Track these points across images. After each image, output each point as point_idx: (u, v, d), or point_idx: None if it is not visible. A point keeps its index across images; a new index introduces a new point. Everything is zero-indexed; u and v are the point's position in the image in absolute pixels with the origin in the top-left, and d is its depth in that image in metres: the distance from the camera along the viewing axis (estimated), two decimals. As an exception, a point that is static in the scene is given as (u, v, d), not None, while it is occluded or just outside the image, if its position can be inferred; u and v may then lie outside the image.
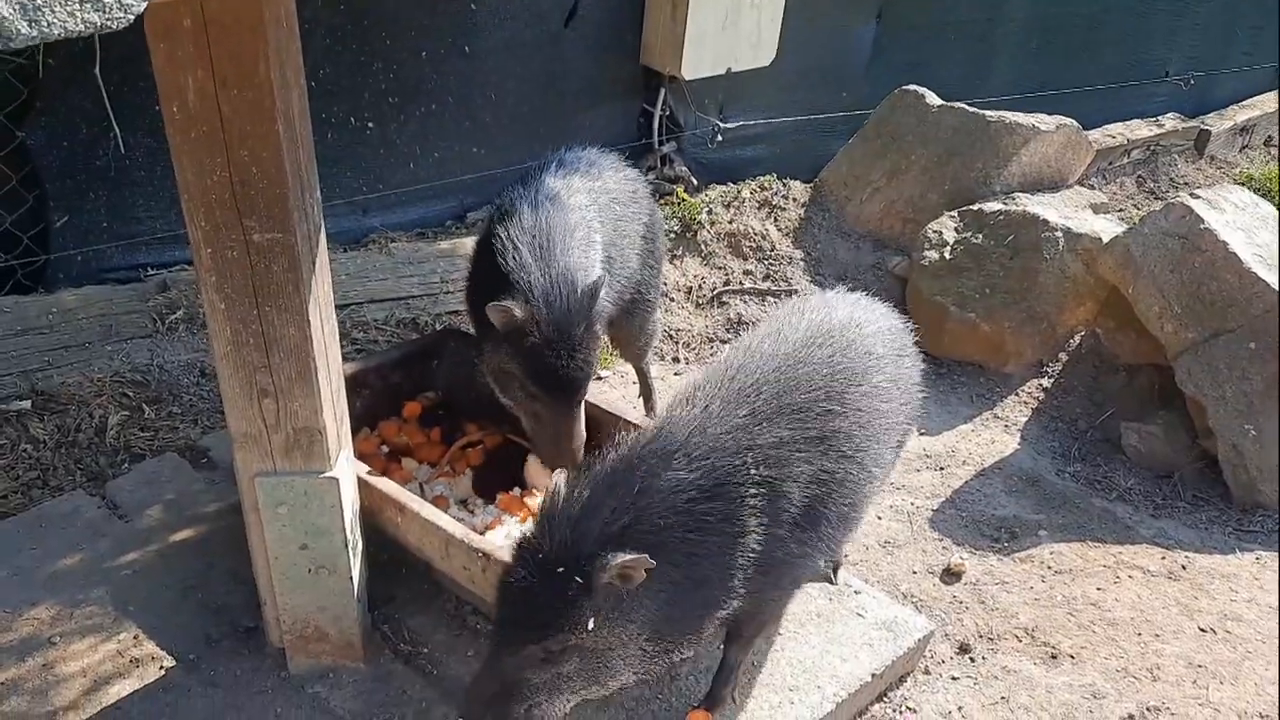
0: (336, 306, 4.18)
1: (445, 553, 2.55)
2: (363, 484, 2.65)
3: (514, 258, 2.72)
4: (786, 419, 2.30)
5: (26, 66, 3.61)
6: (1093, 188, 5.66)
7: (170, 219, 4.09)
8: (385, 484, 2.67)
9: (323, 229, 2.33)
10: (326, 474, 2.42)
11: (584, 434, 2.81)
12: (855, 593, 3.00)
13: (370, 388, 3.13)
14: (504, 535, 2.73)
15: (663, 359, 4.44)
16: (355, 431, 2.79)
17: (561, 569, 2.03)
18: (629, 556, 2.00)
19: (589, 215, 3.01)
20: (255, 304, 2.21)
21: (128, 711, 2.58)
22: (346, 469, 2.52)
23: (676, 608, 2.19)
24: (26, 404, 3.52)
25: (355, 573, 2.60)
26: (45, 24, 0.97)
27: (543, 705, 2.12)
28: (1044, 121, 4.92)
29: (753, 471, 2.22)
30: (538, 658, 2.08)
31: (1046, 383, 4.31)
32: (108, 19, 1.03)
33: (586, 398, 2.99)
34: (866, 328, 2.61)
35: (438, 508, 2.67)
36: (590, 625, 2.04)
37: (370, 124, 4.55)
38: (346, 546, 2.52)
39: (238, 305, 2.21)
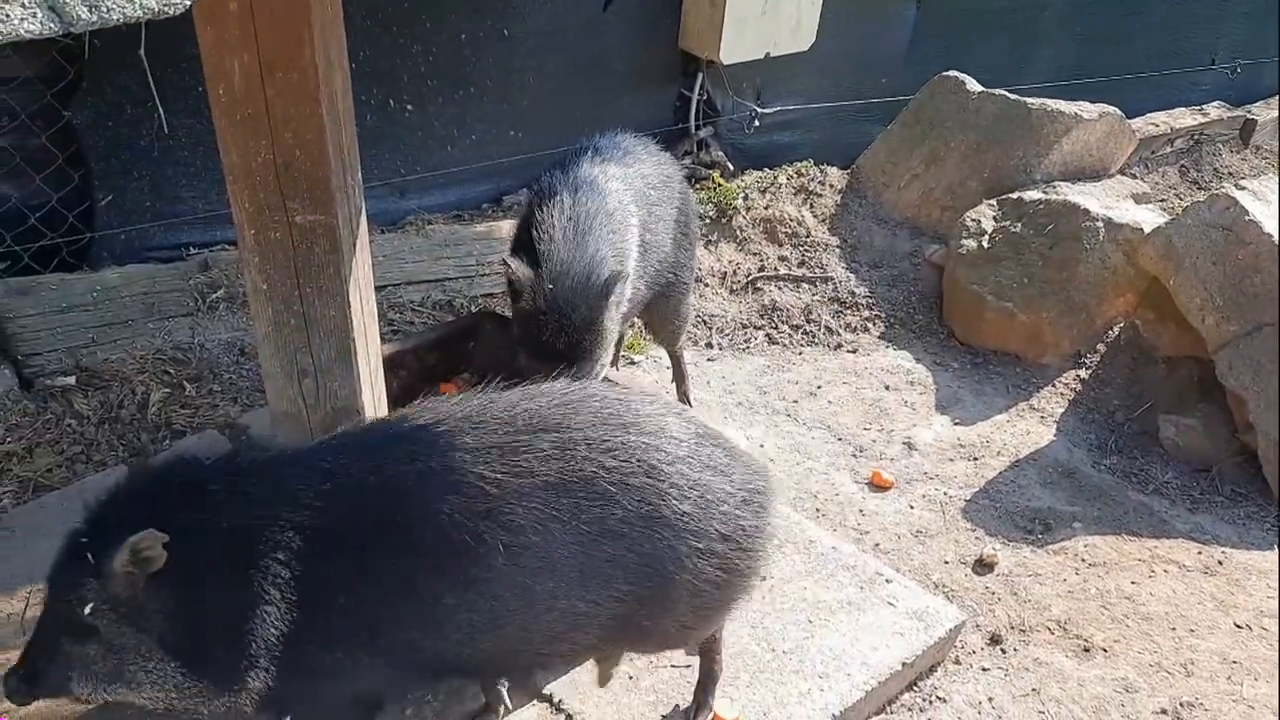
0: (375, 288, 4.24)
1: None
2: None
3: (547, 240, 2.78)
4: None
5: (73, 47, 3.66)
6: (1135, 177, 5.59)
7: (211, 199, 4.14)
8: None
9: (364, 211, 2.36)
10: (364, 454, 2.45)
11: None
12: (886, 581, 3.00)
13: (407, 368, 3.16)
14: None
15: (695, 344, 4.45)
16: (391, 411, 2.82)
17: (85, 539, 1.94)
18: (141, 535, 1.85)
19: (625, 200, 3.04)
20: (297, 285, 2.25)
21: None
22: (384, 449, 2.55)
23: (196, 639, 2.01)
24: (71, 380, 3.58)
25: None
26: (105, 9, 0.99)
27: (72, 679, 2.02)
28: (1086, 109, 4.86)
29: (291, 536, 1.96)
30: (65, 621, 1.97)
31: (1084, 374, 4.27)
32: (165, 5, 1.05)
33: (620, 381, 3.02)
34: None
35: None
36: (89, 607, 1.93)
37: (409, 107, 4.57)
38: (383, 526, 2.55)
39: (280, 286, 2.25)
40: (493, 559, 1.95)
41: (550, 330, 2.73)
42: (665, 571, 2.08)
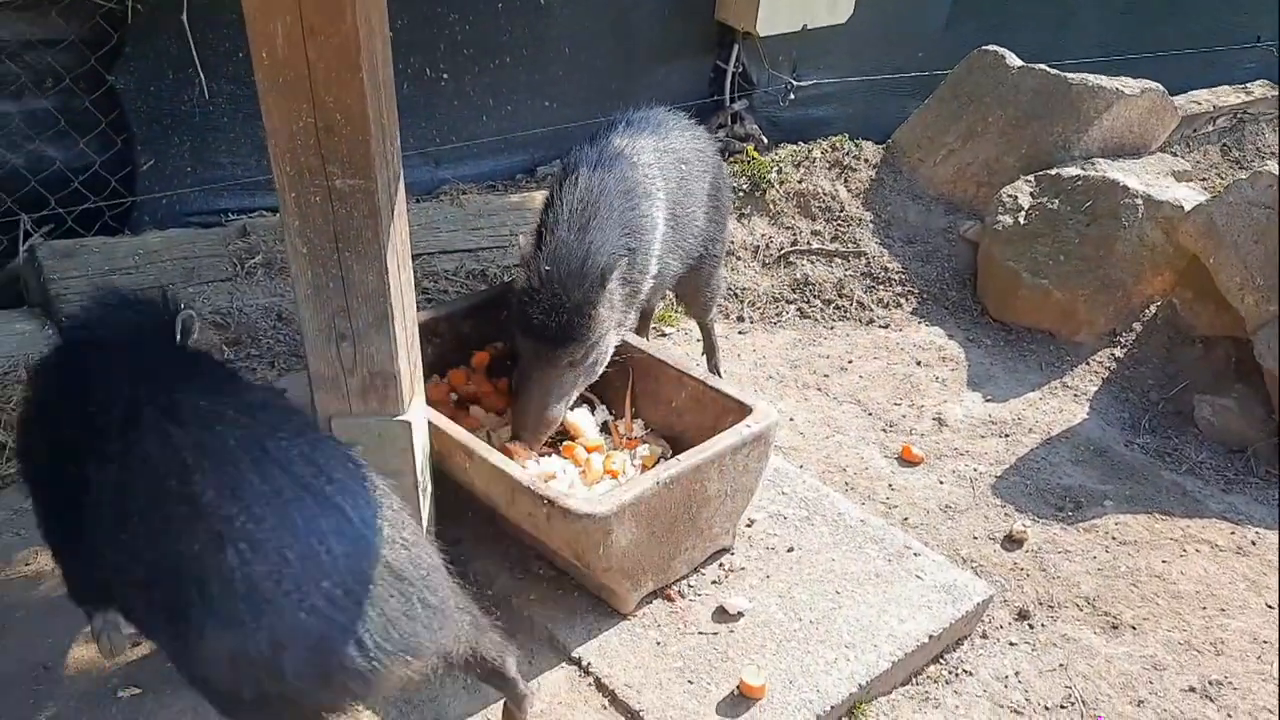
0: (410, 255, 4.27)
1: (511, 499, 2.61)
2: (434, 429, 2.71)
3: (554, 218, 2.80)
4: None
5: (116, 10, 3.70)
6: (1176, 155, 5.51)
7: (250, 165, 4.18)
8: (455, 430, 2.72)
9: (401, 177, 2.37)
10: (400, 418, 2.49)
11: (548, 409, 2.83)
12: (914, 555, 3.01)
13: (441, 336, 3.19)
14: (567, 484, 2.78)
15: (727, 318, 4.45)
16: (425, 378, 2.85)
17: None
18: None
19: (653, 174, 3.04)
20: (336, 249, 2.27)
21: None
22: (419, 413, 2.58)
23: None
24: (112, 341, 3.63)
25: (425, 515, 2.67)
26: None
27: None
28: (1128, 85, 4.79)
29: None
30: None
31: (1119, 353, 4.24)
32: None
33: (652, 352, 3.03)
34: None
35: (505, 455, 2.73)
36: None
37: (444, 76, 4.59)
38: (417, 488, 2.59)
39: (319, 250, 2.27)
40: None
41: (542, 310, 2.72)
42: None
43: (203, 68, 3.82)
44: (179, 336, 2.23)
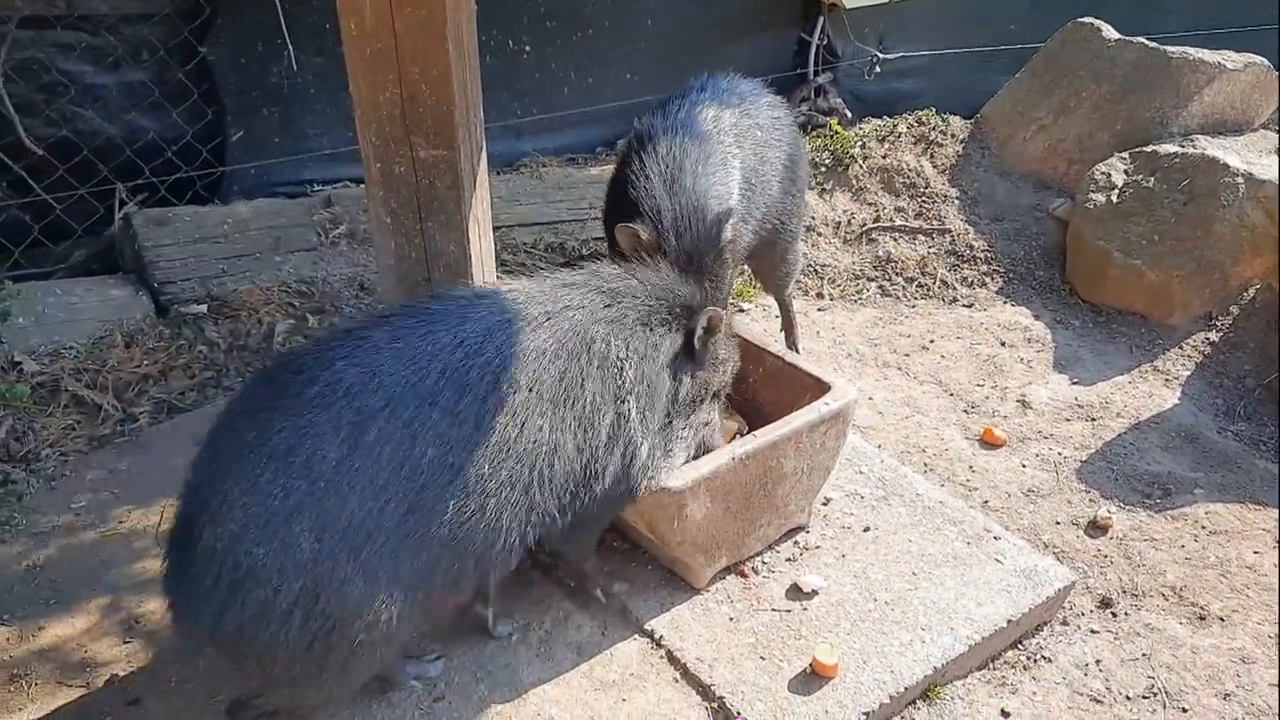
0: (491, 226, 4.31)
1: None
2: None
3: (644, 185, 2.75)
4: None
5: (209, -16, 3.79)
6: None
7: (335, 136, 4.25)
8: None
9: (484, 149, 2.39)
10: (479, 386, 2.51)
11: None
12: (994, 538, 2.95)
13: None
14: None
15: (806, 294, 4.40)
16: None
17: None
18: None
19: (726, 141, 2.99)
20: (419, 219, 2.30)
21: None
22: (497, 383, 2.60)
23: None
24: (203, 308, 3.74)
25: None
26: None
27: None
28: (1230, 59, 4.61)
29: None
30: None
31: (1214, 336, 4.09)
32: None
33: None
34: None
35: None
36: None
37: (527, 48, 4.60)
38: (494, 458, 2.61)
39: (403, 219, 2.30)
40: None
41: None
42: None
43: (292, 41, 3.88)
44: None
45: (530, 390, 2.11)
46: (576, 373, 2.20)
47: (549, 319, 2.21)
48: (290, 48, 3.93)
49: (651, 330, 2.39)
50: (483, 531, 2.08)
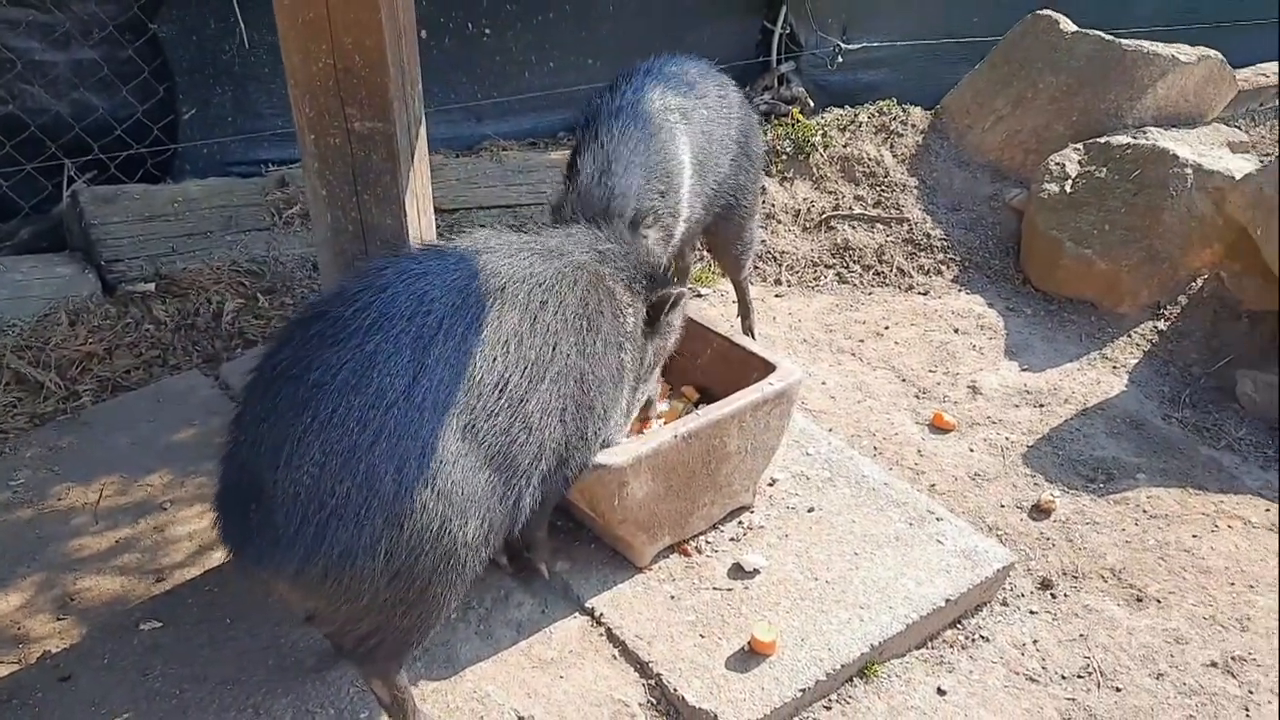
0: (446, 210, 4.29)
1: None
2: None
3: (575, 168, 2.76)
4: None
5: (159, -40, 3.75)
6: (1238, 128, 5.34)
7: (289, 116, 4.21)
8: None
9: (423, 122, 2.38)
10: (418, 362, 2.50)
11: None
12: (937, 519, 2.97)
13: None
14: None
15: (764, 280, 4.42)
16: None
17: None
18: None
19: (672, 120, 2.98)
20: (354, 191, 2.29)
21: (229, 575, 2.74)
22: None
23: None
24: (151, 287, 3.71)
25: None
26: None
27: None
28: (1184, 52, 4.65)
29: None
30: None
31: (1162, 325, 4.13)
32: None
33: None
34: None
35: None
36: None
37: (487, 31, 4.58)
38: (435, 434, 2.60)
39: (338, 192, 2.29)
40: None
41: None
42: None
43: (243, 17, 3.85)
44: None
45: (556, 311, 2.19)
46: (595, 302, 2.31)
47: (562, 254, 2.31)
48: (242, 25, 3.90)
49: (633, 293, 2.49)
50: (527, 453, 2.14)
